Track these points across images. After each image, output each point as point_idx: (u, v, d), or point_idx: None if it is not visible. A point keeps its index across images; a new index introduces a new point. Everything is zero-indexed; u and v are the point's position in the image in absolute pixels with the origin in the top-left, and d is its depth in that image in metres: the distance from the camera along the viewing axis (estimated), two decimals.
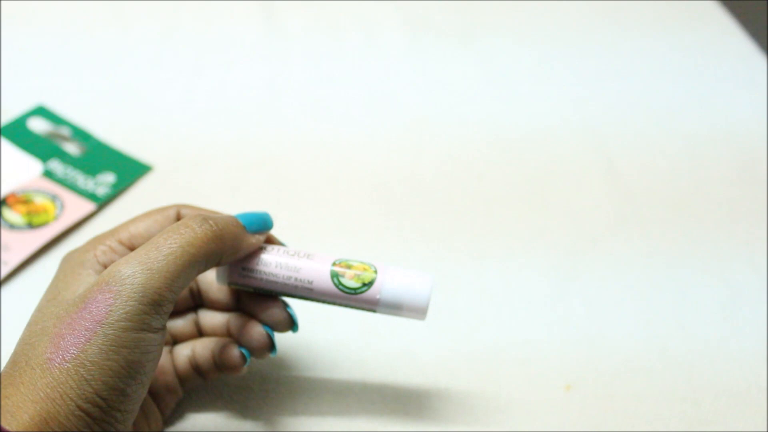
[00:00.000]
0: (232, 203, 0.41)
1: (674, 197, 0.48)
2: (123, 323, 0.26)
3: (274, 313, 0.33)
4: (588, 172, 0.50)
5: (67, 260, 0.30)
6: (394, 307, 0.32)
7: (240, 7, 0.60)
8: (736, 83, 0.58)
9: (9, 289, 0.40)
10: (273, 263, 0.32)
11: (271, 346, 0.33)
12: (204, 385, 0.36)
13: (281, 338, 0.38)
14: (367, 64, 0.57)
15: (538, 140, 0.52)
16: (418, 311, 0.32)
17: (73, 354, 0.25)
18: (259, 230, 0.32)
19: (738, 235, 0.46)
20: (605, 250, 0.45)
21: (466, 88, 0.55)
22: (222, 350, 0.33)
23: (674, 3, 0.65)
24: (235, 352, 0.32)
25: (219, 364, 0.33)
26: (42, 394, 0.25)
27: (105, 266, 0.30)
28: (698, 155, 0.51)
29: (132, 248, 0.31)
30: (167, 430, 0.34)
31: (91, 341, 0.25)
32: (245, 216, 0.31)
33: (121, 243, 0.31)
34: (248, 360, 0.33)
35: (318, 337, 0.39)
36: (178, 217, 0.32)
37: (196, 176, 0.47)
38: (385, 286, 0.31)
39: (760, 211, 0.48)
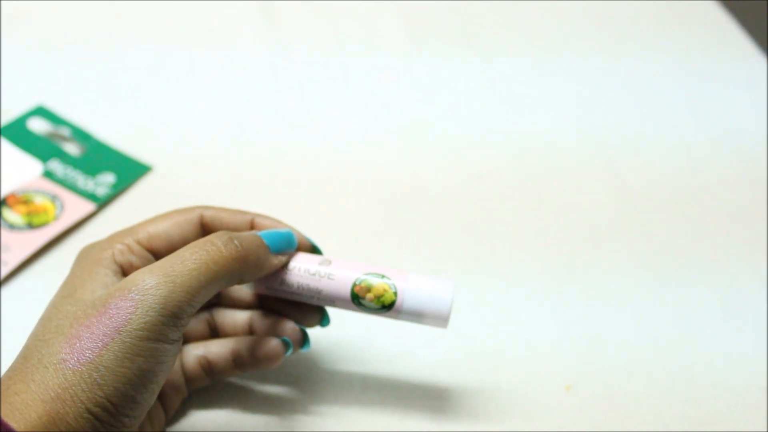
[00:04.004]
0: (232, 204, 0.40)
1: (674, 197, 0.48)
2: (141, 332, 0.26)
3: (304, 309, 0.33)
4: (588, 173, 0.50)
5: (84, 256, 0.30)
6: (415, 318, 0.32)
7: (240, 7, 0.60)
8: (736, 83, 0.58)
9: (9, 289, 0.40)
10: (295, 285, 0.32)
11: (304, 340, 0.33)
12: (206, 386, 0.36)
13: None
14: (367, 65, 0.57)
15: (539, 142, 0.52)
16: (439, 321, 0.32)
17: (89, 357, 0.25)
18: (282, 251, 0.32)
19: (738, 235, 0.46)
20: (605, 250, 0.45)
21: (468, 91, 0.55)
22: (258, 344, 0.33)
23: (674, 3, 0.65)
24: (274, 342, 0.33)
25: (256, 359, 0.33)
26: (53, 394, 0.25)
27: (122, 266, 0.30)
28: (698, 155, 0.51)
29: (150, 249, 0.31)
30: (169, 429, 0.34)
31: (108, 347, 0.25)
32: (270, 235, 0.31)
33: (139, 243, 0.31)
34: (290, 348, 0.33)
35: (318, 337, 0.39)
36: (200, 221, 0.32)
37: (196, 176, 0.47)
38: (405, 304, 0.32)
39: (760, 211, 0.48)
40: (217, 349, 0.34)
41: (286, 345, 0.33)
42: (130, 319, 0.26)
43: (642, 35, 0.62)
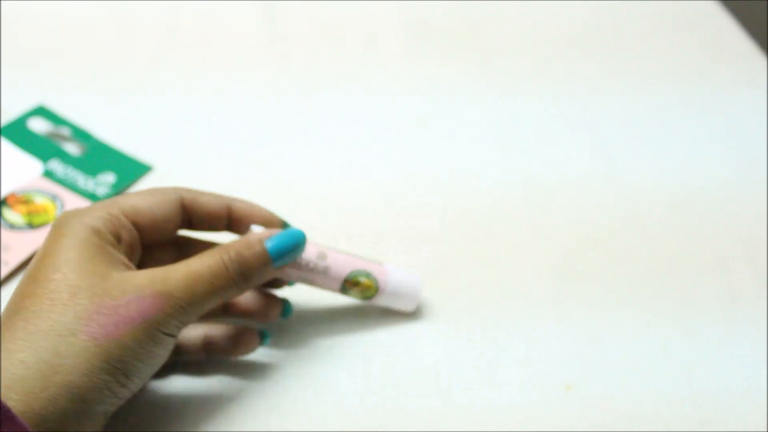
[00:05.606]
0: None
1: (673, 197, 0.48)
2: (157, 326, 0.29)
3: (268, 302, 0.37)
4: (588, 173, 0.50)
5: (66, 223, 0.30)
6: (389, 303, 0.39)
7: (240, 7, 0.60)
8: (736, 83, 0.58)
9: (9, 289, 0.40)
10: (294, 276, 0.36)
11: (284, 310, 0.37)
12: (203, 386, 0.36)
13: (282, 339, 0.38)
14: (368, 68, 0.57)
15: (538, 142, 0.52)
16: (408, 306, 0.39)
17: (110, 332, 0.28)
18: (284, 265, 0.34)
19: (738, 235, 0.46)
20: (605, 250, 0.45)
21: (467, 95, 0.55)
22: (238, 335, 0.36)
23: (674, 3, 0.65)
24: (250, 335, 0.36)
25: (235, 346, 0.36)
26: (66, 363, 0.27)
27: (114, 234, 0.31)
28: (698, 156, 0.51)
29: (136, 223, 0.32)
30: (166, 429, 0.34)
31: (127, 327, 0.28)
32: (279, 250, 0.33)
33: (126, 215, 0.32)
34: (267, 339, 0.37)
35: (317, 336, 0.39)
36: (181, 203, 0.33)
37: (196, 176, 0.47)
38: (383, 296, 0.38)
39: (760, 211, 0.48)
40: (213, 331, 0.36)
41: (263, 337, 0.36)
42: (155, 313, 0.29)
43: (642, 35, 0.62)
